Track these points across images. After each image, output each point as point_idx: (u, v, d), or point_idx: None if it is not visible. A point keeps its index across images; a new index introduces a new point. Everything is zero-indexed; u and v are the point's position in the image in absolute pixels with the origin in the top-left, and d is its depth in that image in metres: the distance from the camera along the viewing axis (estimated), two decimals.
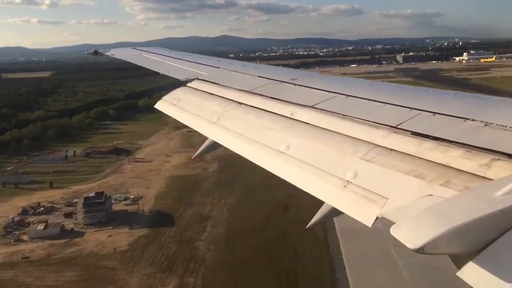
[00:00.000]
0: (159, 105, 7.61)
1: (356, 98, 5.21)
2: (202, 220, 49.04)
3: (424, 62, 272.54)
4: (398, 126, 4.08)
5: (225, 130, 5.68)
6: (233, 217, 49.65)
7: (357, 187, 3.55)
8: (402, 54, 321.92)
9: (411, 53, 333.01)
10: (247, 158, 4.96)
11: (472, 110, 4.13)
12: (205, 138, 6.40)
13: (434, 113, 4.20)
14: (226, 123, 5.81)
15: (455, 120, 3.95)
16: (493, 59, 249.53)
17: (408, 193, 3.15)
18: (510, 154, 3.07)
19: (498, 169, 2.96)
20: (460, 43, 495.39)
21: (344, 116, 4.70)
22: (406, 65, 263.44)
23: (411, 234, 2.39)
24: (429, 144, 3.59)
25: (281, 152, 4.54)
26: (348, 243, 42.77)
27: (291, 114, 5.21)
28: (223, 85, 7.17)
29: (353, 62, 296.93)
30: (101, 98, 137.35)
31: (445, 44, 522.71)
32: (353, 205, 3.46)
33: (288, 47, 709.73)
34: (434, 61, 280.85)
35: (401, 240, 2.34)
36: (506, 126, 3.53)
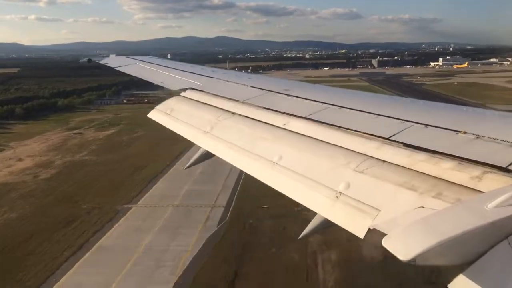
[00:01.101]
0: (152, 115, 7.50)
1: (349, 110, 5.19)
2: None
3: (398, 67, 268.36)
4: (390, 138, 4.12)
5: (218, 139, 5.66)
6: None
7: (350, 198, 3.58)
8: (378, 58, 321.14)
9: (395, 57, 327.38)
10: (239, 168, 4.88)
11: (464, 122, 4.18)
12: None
13: (427, 125, 4.25)
14: (219, 133, 5.80)
15: (447, 132, 4.01)
16: (466, 65, 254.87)
17: (400, 204, 3.21)
18: (501, 167, 3.14)
19: (489, 181, 3.03)
20: (451, 49, 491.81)
21: (337, 127, 4.70)
22: (378, 70, 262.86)
23: (402, 246, 2.44)
24: (421, 156, 3.65)
25: (274, 162, 4.53)
26: (81, 270, 36.13)
27: (284, 124, 5.21)
28: (216, 95, 7.17)
29: (332, 65, 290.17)
30: (20, 96, 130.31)
31: (436, 49, 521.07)
32: (345, 216, 3.48)
33: (283, 49, 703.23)
34: (408, 66, 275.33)
35: (393, 252, 2.38)
36: (497, 139, 3.60)
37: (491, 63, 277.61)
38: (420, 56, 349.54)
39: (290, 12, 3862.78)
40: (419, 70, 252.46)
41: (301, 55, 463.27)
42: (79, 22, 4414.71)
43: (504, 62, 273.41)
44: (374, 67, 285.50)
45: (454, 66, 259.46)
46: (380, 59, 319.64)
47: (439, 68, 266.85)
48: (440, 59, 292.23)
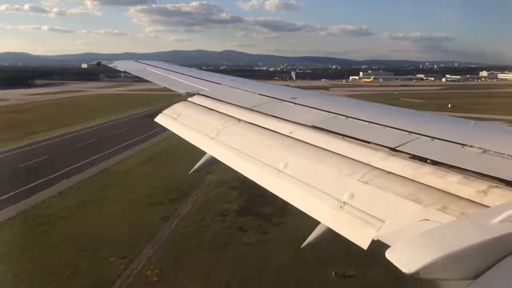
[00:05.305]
0: (159, 119, 7.52)
1: (356, 120, 5.19)
2: None
3: (315, 80, 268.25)
4: (396, 148, 4.10)
5: (224, 146, 5.68)
6: None
7: (354, 208, 3.56)
8: (297, 71, 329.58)
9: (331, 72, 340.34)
10: (244, 174, 4.90)
11: (470, 136, 4.19)
12: None
13: (433, 137, 4.23)
14: (225, 139, 5.81)
15: (453, 145, 3.99)
16: (371, 79, 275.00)
17: (404, 216, 3.19)
18: (507, 182, 3.11)
19: (495, 196, 3.00)
20: (434, 66, 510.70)
21: (343, 137, 4.71)
22: (293, 82, 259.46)
23: (406, 258, 2.45)
24: (427, 168, 3.62)
25: (279, 170, 4.53)
26: None
27: (290, 132, 5.22)
28: (223, 101, 7.16)
29: (255, 76, 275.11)
30: None
31: (428, 67, 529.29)
32: (349, 226, 3.47)
33: (285, 64, 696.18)
34: (324, 79, 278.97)
35: (396, 264, 2.39)
36: (504, 154, 3.58)
37: (413, 79, 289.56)
38: (353, 71, 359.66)
39: (299, 28, 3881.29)
40: (328, 83, 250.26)
41: (279, 69, 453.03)
42: (92, 34, 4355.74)
43: (430, 78, 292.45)
44: (293, 79, 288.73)
45: (362, 80, 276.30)
46: (300, 71, 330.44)
47: (348, 81, 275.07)
48: (361, 73, 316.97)
